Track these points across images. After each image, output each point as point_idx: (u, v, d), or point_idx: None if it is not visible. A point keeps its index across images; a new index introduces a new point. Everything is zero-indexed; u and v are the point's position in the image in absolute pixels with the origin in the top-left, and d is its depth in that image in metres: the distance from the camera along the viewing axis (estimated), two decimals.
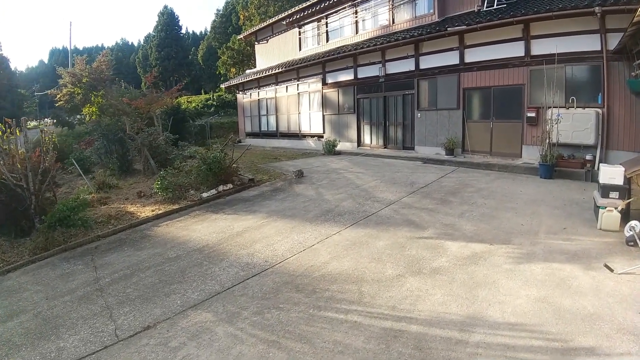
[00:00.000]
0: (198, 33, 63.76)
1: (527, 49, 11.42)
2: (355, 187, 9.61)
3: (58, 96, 15.58)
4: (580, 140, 10.29)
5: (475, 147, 12.95)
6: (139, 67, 52.81)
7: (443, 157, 13.05)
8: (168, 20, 50.80)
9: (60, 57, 60.57)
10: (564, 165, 10.19)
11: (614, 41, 9.79)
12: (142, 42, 60.71)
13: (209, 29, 55.64)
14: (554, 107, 10.18)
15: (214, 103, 45.87)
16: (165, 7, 51.45)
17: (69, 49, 42.35)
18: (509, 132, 12.12)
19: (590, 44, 10.35)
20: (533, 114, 11.30)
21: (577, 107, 10.39)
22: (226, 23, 47.53)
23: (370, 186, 9.65)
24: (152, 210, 8.55)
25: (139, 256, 6.16)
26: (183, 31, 58.99)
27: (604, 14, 9.69)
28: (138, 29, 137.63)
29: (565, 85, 10.72)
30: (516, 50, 11.68)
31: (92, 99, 12.98)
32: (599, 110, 10.11)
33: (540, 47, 11.19)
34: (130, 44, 70.04)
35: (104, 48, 69.75)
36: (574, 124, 10.31)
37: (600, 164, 6.46)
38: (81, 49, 67.60)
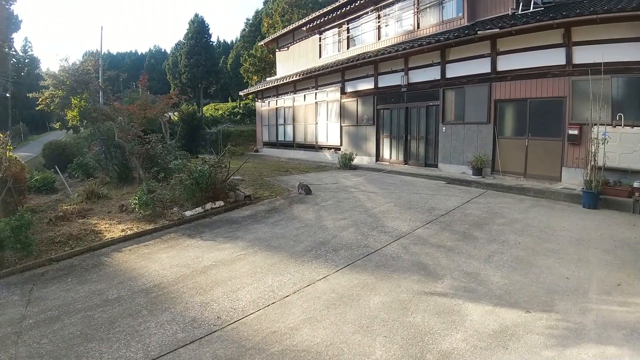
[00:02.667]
0: (229, 42, 63.69)
1: (569, 56, 9.89)
2: (363, 211, 8.23)
3: (40, 99, 14.69)
4: (628, 164, 8.75)
5: (506, 167, 11.38)
6: (169, 74, 52.94)
7: (470, 178, 11.52)
8: (198, 29, 50.66)
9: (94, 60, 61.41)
10: (610, 193, 8.58)
11: None
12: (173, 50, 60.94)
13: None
14: (600, 125, 8.64)
15: (241, 111, 45.54)
16: (196, 15, 51.39)
17: (100, 54, 42.59)
18: (546, 151, 10.53)
19: (638, 53, 8.83)
20: (576, 132, 9.74)
21: (624, 125, 8.82)
22: (255, 32, 47.03)
23: (381, 211, 8.26)
24: (122, 230, 7.36)
25: (77, 292, 4.95)
26: (214, 40, 59.03)
27: None
28: (171, 36, 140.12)
29: (611, 99, 9.17)
30: (556, 57, 10.15)
31: (73, 102, 12.02)
32: None
33: (583, 55, 9.67)
34: (163, 50, 70.47)
35: (137, 54, 70.76)
36: (621, 145, 8.78)
37: None
38: (115, 53, 68.59)
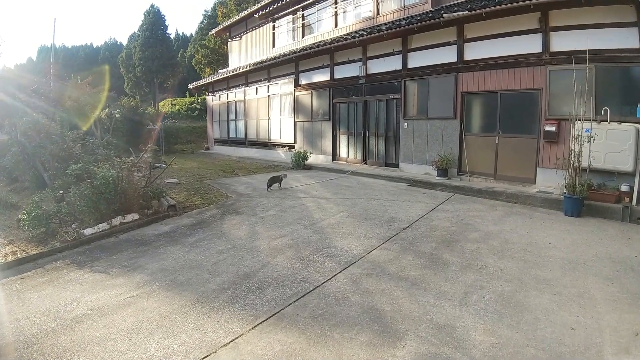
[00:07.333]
0: (188, 35, 60.84)
1: (546, 43, 8.77)
2: (309, 225, 6.77)
3: None
4: (614, 165, 7.63)
5: (475, 167, 10.20)
6: (122, 67, 49.71)
7: (434, 179, 10.28)
8: (154, 20, 47.58)
9: (49, 54, 57.35)
10: (595, 198, 7.48)
11: None
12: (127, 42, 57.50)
13: None
14: (584, 120, 7.51)
15: (198, 106, 43.12)
16: (152, 6, 48.28)
17: (52, 46, 39.14)
18: (519, 150, 9.41)
19: (625, 40, 7.80)
20: (553, 128, 8.63)
21: (610, 120, 7.73)
22: (213, 24, 44.32)
23: (330, 223, 6.82)
24: (5, 255, 5.61)
25: None
26: (172, 32, 56.03)
27: None
28: (128, 28, 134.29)
29: (595, 91, 8.06)
30: (531, 45, 9.03)
31: None
32: (639, 125, 7.48)
33: (563, 42, 8.56)
34: (119, 43, 66.71)
35: (92, 47, 66.67)
36: (607, 144, 7.66)
37: None
38: (70, 47, 64.71)
